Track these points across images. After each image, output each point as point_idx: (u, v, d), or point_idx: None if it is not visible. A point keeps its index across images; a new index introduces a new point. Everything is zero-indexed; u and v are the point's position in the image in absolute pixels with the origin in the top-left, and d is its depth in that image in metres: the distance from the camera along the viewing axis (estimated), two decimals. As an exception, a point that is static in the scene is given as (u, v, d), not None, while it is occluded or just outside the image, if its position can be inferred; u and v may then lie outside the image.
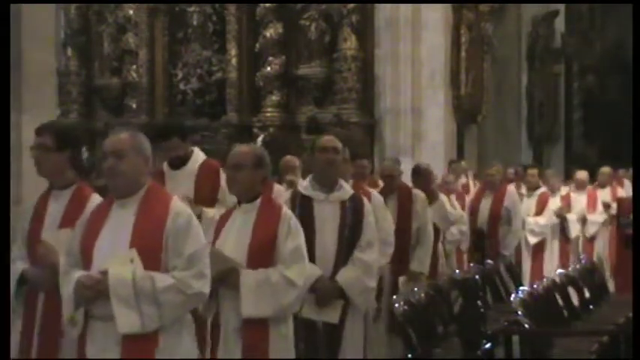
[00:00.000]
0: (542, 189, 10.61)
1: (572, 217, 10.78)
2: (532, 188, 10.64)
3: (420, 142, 12.69)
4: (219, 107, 13.85)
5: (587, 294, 7.81)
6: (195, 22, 14.09)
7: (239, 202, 4.52)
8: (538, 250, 10.33)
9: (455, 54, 12.92)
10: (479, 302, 7.04)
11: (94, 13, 14.93)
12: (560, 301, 7.04)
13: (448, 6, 12.84)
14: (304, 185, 5.18)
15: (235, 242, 4.38)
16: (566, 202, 10.89)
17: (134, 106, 14.31)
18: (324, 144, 5.16)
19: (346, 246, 4.94)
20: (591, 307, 7.67)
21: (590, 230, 11.48)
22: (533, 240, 10.30)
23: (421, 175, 8.09)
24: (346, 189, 5.11)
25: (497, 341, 5.79)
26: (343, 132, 11.84)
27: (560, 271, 8.10)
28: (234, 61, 13.70)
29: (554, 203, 10.63)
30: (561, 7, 18.73)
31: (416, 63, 12.75)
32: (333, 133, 11.10)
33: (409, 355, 5.70)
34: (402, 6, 12.73)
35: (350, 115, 12.82)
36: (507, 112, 17.91)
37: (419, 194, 7.38)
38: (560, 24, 18.79)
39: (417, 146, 12.67)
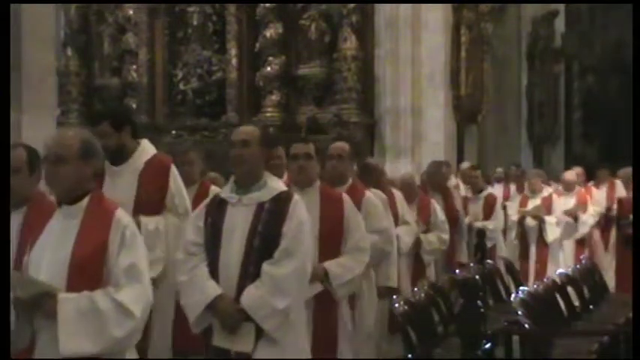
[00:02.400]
0: (488, 190, 10.14)
1: (550, 220, 10.33)
2: (477, 190, 9.99)
3: (420, 142, 12.70)
4: (219, 107, 13.85)
5: (587, 294, 7.80)
6: (195, 22, 14.10)
7: (59, 203, 3.55)
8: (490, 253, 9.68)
9: (455, 54, 12.92)
10: (479, 302, 7.03)
11: (94, 13, 14.94)
12: (560, 301, 7.04)
13: (448, 6, 12.84)
14: (225, 186, 4.37)
15: (52, 256, 3.40)
16: (547, 204, 10.45)
17: (134, 106, 14.31)
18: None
19: (256, 258, 4.02)
20: (591, 307, 7.67)
21: (581, 231, 11.07)
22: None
23: (371, 173, 7.08)
24: (271, 187, 4.18)
25: (498, 341, 5.79)
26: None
27: (560, 271, 8.09)
28: (234, 61, 13.70)
29: (533, 204, 10.34)
30: (561, 7, 18.72)
31: (416, 63, 12.76)
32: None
33: (409, 355, 5.70)
34: (402, 6, 12.73)
35: (350, 115, 12.82)
36: (507, 112, 17.91)
37: (380, 195, 6.33)
38: (560, 24, 18.78)
39: (417, 146, 12.68)
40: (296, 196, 4.21)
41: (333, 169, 5.63)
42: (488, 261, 8.89)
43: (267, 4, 13.50)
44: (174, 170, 5.17)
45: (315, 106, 13.37)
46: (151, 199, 5.00)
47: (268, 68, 13.47)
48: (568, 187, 11.21)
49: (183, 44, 14.24)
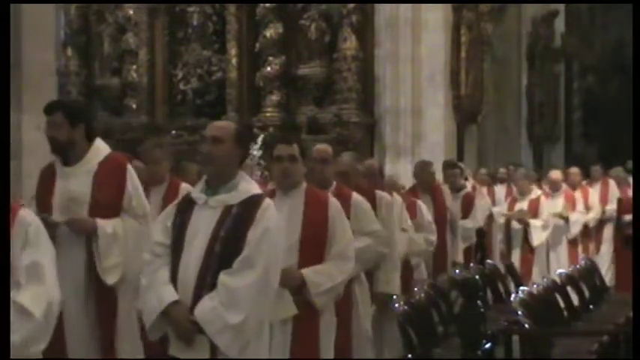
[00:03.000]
0: (467, 189, 9.87)
1: (535, 224, 10.13)
2: (456, 189, 9.60)
3: (420, 142, 12.69)
4: (219, 107, 13.85)
5: (587, 294, 7.81)
6: (195, 22, 14.11)
7: None
8: (467, 254, 9.40)
9: (455, 54, 12.92)
10: (479, 302, 7.04)
11: (94, 13, 14.94)
12: (560, 301, 7.04)
13: (448, 6, 12.84)
14: (197, 185, 4.05)
15: None
16: (534, 206, 10.24)
17: (134, 106, 14.32)
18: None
19: (215, 266, 3.70)
20: (591, 307, 7.68)
21: (573, 231, 11.02)
22: (462, 245, 9.33)
23: (375, 175, 6.78)
24: (242, 190, 3.84)
25: (498, 341, 5.79)
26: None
27: (560, 271, 8.10)
28: (234, 61, 13.71)
29: (521, 207, 10.21)
30: (561, 7, 18.74)
31: (416, 63, 12.76)
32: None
33: (409, 355, 5.70)
34: (402, 6, 12.73)
35: (350, 115, 12.82)
36: (507, 112, 17.91)
37: (383, 197, 6.09)
38: (560, 24, 18.80)
39: (416, 146, 12.67)
40: (267, 201, 3.86)
41: (318, 174, 5.27)
42: (488, 261, 8.89)
43: (267, 4, 13.50)
44: (131, 170, 4.84)
45: (315, 106, 13.37)
46: (106, 202, 4.70)
47: (268, 68, 13.48)
48: (554, 187, 11.17)
49: (183, 44, 14.25)
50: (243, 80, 13.77)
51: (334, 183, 5.40)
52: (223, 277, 3.67)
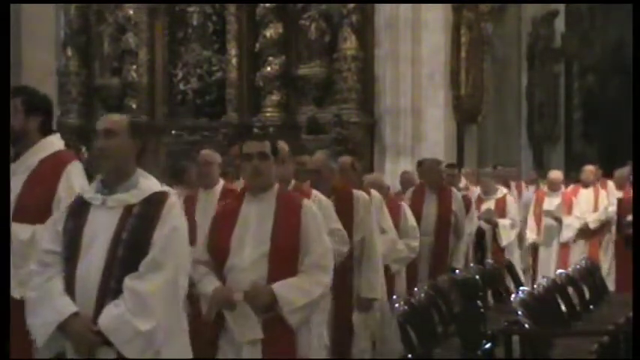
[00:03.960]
0: (465, 192, 9.76)
1: (504, 223, 10.00)
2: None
3: (420, 142, 12.69)
4: (219, 107, 13.86)
5: (587, 294, 7.81)
6: (195, 22, 14.11)
7: None
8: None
9: (455, 54, 12.92)
10: (479, 302, 7.04)
11: (94, 13, 14.94)
12: (560, 301, 7.04)
13: (448, 6, 12.85)
14: (90, 185, 3.71)
15: None
16: (500, 205, 10.10)
17: (134, 106, 14.31)
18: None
19: (119, 271, 3.41)
20: (591, 307, 7.68)
21: (565, 235, 10.93)
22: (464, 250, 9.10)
23: (348, 173, 6.55)
24: (143, 187, 3.56)
25: (498, 341, 5.79)
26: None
27: (560, 271, 8.10)
28: (234, 61, 13.71)
29: (487, 206, 10.08)
30: (561, 7, 18.75)
31: (416, 63, 12.76)
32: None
33: (409, 355, 5.70)
34: (402, 6, 12.73)
35: (350, 115, 12.82)
36: (507, 112, 17.91)
37: (361, 196, 5.74)
38: (560, 24, 18.81)
39: (416, 146, 12.67)
40: (172, 198, 3.59)
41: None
42: (488, 261, 8.88)
43: (267, 4, 13.50)
44: (70, 170, 4.20)
45: (315, 106, 13.37)
46: (33, 204, 4.08)
47: (268, 68, 13.48)
48: (553, 187, 11.08)
49: (183, 44, 14.25)
50: (243, 80, 13.77)
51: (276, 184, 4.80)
52: (129, 282, 3.40)
